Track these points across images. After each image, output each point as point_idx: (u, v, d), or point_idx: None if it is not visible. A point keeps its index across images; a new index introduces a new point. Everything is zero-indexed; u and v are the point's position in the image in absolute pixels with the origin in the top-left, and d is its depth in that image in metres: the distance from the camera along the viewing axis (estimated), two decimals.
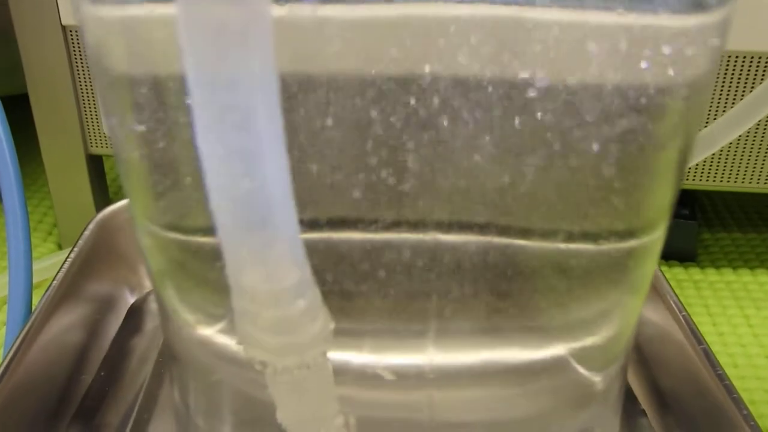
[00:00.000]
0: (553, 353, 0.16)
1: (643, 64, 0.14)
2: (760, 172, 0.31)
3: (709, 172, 0.30)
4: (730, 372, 0.27)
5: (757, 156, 0.30)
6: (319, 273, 0.12)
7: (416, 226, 0.14)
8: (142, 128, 0.16)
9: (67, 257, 0.26)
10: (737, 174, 0.31)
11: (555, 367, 0.16)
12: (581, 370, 0.17)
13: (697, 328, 0.23)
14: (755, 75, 0.27)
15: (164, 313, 0.18)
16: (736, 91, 0.28)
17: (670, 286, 0.25)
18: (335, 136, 0.14)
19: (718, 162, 0.29)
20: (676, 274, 0.33)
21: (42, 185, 0.33)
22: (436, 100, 0.14)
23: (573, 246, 0.15)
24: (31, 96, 0.33)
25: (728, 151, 0.29)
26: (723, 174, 0.31)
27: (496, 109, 0.14)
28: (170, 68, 0.14)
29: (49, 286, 0.25)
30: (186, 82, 0.10)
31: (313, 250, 0.13)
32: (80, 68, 0.33)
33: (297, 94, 0.13)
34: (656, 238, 0.16)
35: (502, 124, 0.14)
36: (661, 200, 0.16)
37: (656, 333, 0.24)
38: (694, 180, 0.30)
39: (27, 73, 0.32)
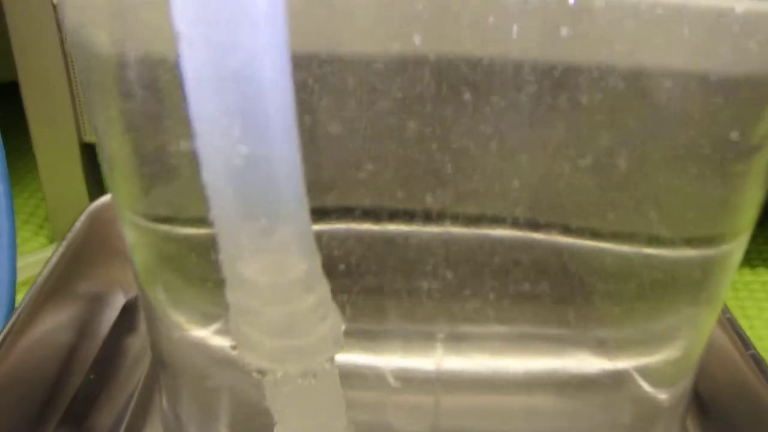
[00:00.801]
0: (614, 367, 0.14)
1: (733, 52, 0.12)
2: None
3: None
4: None
5: None
6: (328, 266, 0.10)
7: (452, 217, 0.12)
8: (127, 110, 0.14)
9: (56, 250, 0.24)
10: None
11: (613, 382, 0.14)
12: (644, 386, 0.15)
13: (744, 332, 0.21)
14: None
15: (151, 316, 0.16)
16: None
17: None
18: (353, 119, 0.12)
19: None
20: None
21: (33, 177, 0.32)
22: (486, 84, 0.12)
23: (641, 250, 0.13)
24: (21, 82, 0.31)
25: None
26: None
27: (566, 98, 0.12)
28: (156, 45, 0.13)
29: (35, 281, 0.23)
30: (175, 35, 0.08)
31: (321, 240, 0.11)
32: None
33: (317, 72, 0.12)
34: (737, 247, 0.15)
35: (571, 115, 0.12)
36: (748, 207, 0.14)
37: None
38: None
39: (17, 58, 0.31)
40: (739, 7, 0.12)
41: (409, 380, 0.14)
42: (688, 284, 0.14)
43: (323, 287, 0.09)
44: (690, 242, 0.14)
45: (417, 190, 0.12)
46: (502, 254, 0.12)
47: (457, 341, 0.13)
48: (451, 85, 0.12)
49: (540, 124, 0.12)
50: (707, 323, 0.15)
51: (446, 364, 0.14)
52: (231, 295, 0.09)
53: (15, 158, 0.26)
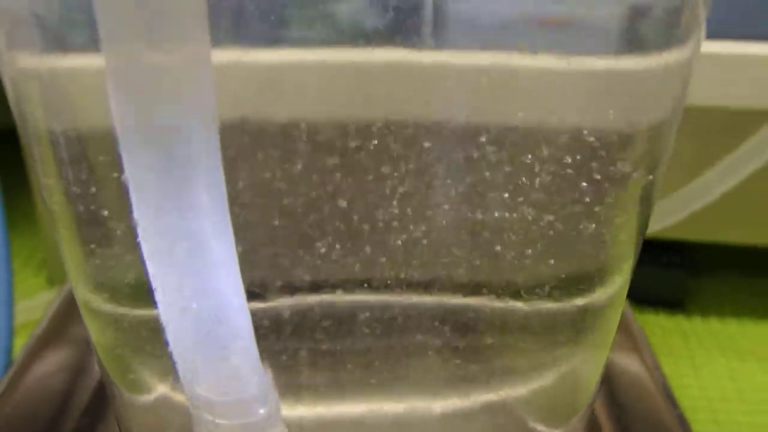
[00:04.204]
0: (510, 410, 0.16)
1: (595, 109, 0.15)
2: (747, 225, 0.31)
3: (698, 224, 0.30)
4: (709, 429, 0.27)
5: (744, 210, 0.30)
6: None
7: (366, 285, 0.15)
8: (72, 190, 0.16)
9: (55, 298, 0.26)
10: (726, 227, 0.31)
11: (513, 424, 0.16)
12: (539, 426, 0.17)
13: (670, 389, 0.23)
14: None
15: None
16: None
17: (648, 342, 0.25)
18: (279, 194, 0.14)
19: (708, 215, 0.29)
20: (663, 322, 0.33)
21: (31, 220, 0.34)
22: (388, 154, 0.14)
23: (530, 300, 0.15)
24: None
25: (716, 204, 0.29)
26: (712, 227, 0.31)
27: (450, 159, 0.14)
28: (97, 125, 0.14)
29: (35, 328, 0.25)
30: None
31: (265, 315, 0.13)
32: None
33: (244, 144, 0.14)
34: (615, 290, 0.17)
35: (457, 174, 0.14)
36: (619, 252, 0.16)
37: (633, 384, 0.24)
38: (683, 232, 0.31)
39: None
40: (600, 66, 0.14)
41: None
42: (573, 328, 0.16)
43: (273, 395, 0.11)
44: (572, 288, 0.16)
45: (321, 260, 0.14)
46: (396, 316, 0.15)
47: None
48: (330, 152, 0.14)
49: (430, 185, 0.14)
50: (597, 363, 0.17)
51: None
52: (191, 406, 0.11)
53: (12, 200, 0.27)
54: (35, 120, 0.16)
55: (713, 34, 0.27)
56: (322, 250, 0.14)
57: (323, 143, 0.14)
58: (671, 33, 0.15)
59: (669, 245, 0.32)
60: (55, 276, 0.33)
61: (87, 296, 0.18)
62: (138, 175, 0.10)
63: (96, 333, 0.18)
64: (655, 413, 0.22)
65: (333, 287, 0.15)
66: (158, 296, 0.10)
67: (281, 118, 0.14)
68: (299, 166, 0.14)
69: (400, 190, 0.14)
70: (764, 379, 0.29)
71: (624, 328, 0.26)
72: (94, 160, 0.15)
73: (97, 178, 0.15)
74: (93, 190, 0.15)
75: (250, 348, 0.10)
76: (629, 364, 0.25)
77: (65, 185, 0.16)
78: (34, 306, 0.30)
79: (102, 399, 0.26)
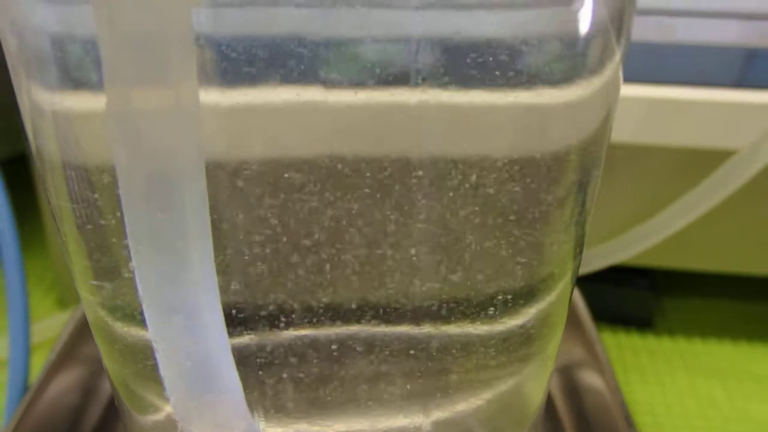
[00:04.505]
0: (465, 425, 0.18)
1: (521, 138, 0.16)
2: (708, 253, 0.33)
3: (664, 252, 0.32)
4: None
5: (705, 240, 0.32)
6: None
7: (333, 317, 0.16)
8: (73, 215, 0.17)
9: (68, 322, 0.28)
10: (689, 255, 0.33)
11: None
12: None
13: (627, 408, 0.25)
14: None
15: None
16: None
17: (609, 362, 0.27)
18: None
19: (672, 244, 0.32)
20: (635, 341, 0.36)
21: (40, 243, 0.35)
22: (338, 191, 0.15)
23: (476, 323, 0.17)
24: (31, 158, 0.34)
25: (680, 234, 0.31)
26: (677, 255, 0.33)
27: (398, 195, 0.15)
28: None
29: (51, 350, 0.27)
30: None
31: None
32: None
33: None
34: (554, 309, 0.18)
35: (405, 209, 0.16)
36: (556, 273, 0.18)
37: (596, 402, 0.27)
38: (651, 259, 0.33)
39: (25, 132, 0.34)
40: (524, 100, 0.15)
41: None
42: (520, 347, 0.18)
43: None
44: (514, 309, 0.17)
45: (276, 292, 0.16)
46: (358, 343, 0.16)
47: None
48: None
49: (380, 222, 0.16)
50: (539, 382, 0.19)
51: None
52: None
53: (22, 222, 0.29)
54: (48, 150, 0.17)
55: (671, 80, 0.29)
56: (290, 286, 0.16)
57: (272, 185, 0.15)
58: (583, 65, 0.16)
59: (639, 270, 0.35)
60: (66, 298, 0.35)
61: (98, 318, 0.19)
62: (134, 234, 0.12)
63: (106, 354, 0.20)
64: (614, 429, 0.25)
65: (300, 321, 0.17)
66: (156, 352, 0.12)
67: (234, 161, 0.15)
68: (261, 208, 0.15)
69: (354, 227, 0.16)
70: (723, 395, 0.32)
71: (589, 348, 0.28)
72: (101, 192, 0.16)
73: (104, 209, 0.16)
74: (102, 220, 0.17)
75: (239, 399, 0.12)
76: (595, 383, 0.27)
77: (75, 213, 0.17)
78: (45, 327, 0.32)
79: (112, 417, 0.28)
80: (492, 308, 0.17)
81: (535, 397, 0.20)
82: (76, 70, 0.15)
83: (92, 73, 0.15)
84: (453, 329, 0.17)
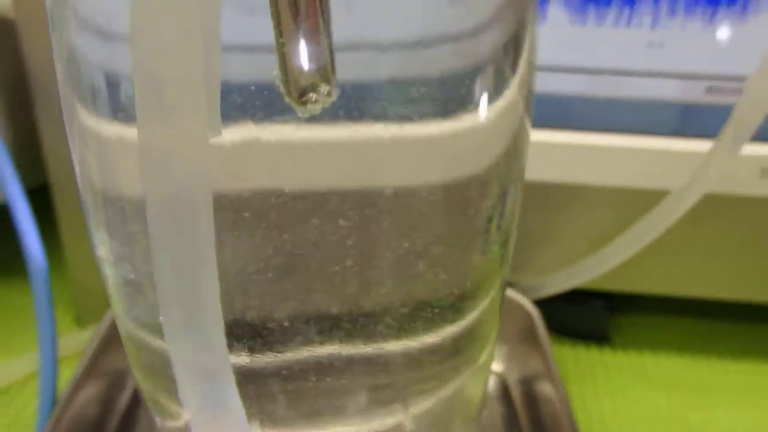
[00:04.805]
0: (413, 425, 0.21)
1: (435, 167, 0.18)
2: (660, 278, 0.37)
3: (616, 277, 0.36)
4: None
5: (657, 265, 0.36)
6: None
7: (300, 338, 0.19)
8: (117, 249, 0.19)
9: (92, 339, 0.32)
10: (643, 279, 0.38)
11: None
12: None
13: (573, 416, 0.29)
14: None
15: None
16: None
17: (559, 375, 0.31)
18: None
19: (626, 268, 0.36)
20: (593, 355, 0.40)
21: (60, 263, 0.38)
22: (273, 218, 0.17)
23: (407, 337, 0.20)
24: (53, 189, 0.37)
25: (634, 260, 0.35)
26: (630, 278, 0.37)
27: (334, 225, 0.17)
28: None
29: (78, 365, 0.31)
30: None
31: None
32: None
33: None
34: (484, 322, 0.21)
35: (343, 239, 0.17)
36: (481, 289, 0.21)
37: (550, 410, 0.30)
38: (606, 283, 0.37)
39: (48, 163, 0.37)
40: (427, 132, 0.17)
41: None
42: (456, 357, 0.21)
43: None
44: (446, 322, 0.20)
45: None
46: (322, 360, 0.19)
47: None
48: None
49: (323, 253, 0.18)
50: (474, 391, 0.23)
51: None
52: None
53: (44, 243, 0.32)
54: (92, 176, 0.19)
55: (619, 130, 0.33)
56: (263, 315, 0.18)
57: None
58: (476, 96, 0.17)
59: (596, 293, 0.39)
60: (83, 316, 0.38)
61: (129, 330, 0.21)
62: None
63: (135, 364, 0.22)
64: None
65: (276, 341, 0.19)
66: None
67: None
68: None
69: (307, 258, 0.18)
70: (667, 404, 0.36)
71: (545, 363, 0.32)
72: (133, 217, 0.18)
73: (134, 230, 0.18)
74: (130, 239, 0.18)
75: (241, 411, 0.16)
76: (548, 393, 0.31)
77: (110, 234, 0.19)
78: (65, 343, 0.35)
79: (131, 425, 0.32)
80: (429, 323, 0.20)
81: (476, 396, 0.24)
82: (119, 102, 0.17)
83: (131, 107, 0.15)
84: (396, 344, 0.20)
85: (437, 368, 0.21)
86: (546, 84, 0.33)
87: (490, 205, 0.19)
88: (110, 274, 0.20)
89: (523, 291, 0.36)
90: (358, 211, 0.17)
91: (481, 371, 0.23)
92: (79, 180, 0.19)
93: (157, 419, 0.24)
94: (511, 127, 0.19)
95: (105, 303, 0.32)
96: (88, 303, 0.38)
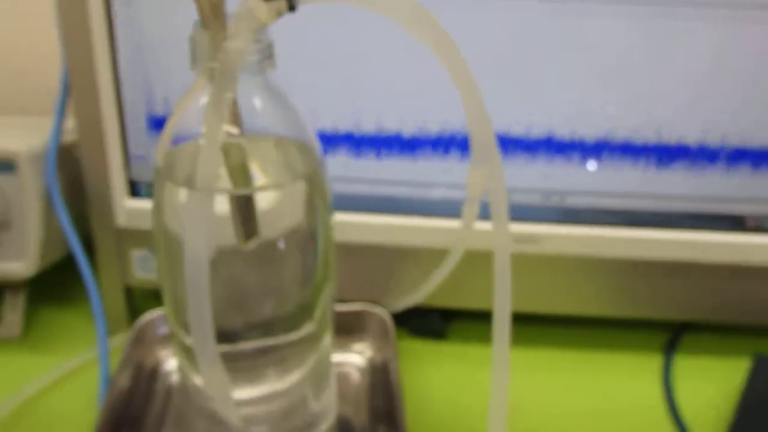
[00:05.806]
0: (292, 390, 0.42)
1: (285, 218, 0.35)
2: (471, 296, 0.56)
3: (449, 295, 0.56)
4: (437, 412, 0.49)
5: (466, 288, 0.57)
6: None
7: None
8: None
9: (126, 345, 0.51)
10: (472, 296, 0.56)
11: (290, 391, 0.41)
12: (304, 392, 0.43)
13: (400, 392, 0.47)
14: None
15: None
16: None
17: (398, 365, 0.49)
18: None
19: (455, 286, 0.52)
20: (433, 347, 0.58)
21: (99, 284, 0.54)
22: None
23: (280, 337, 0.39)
24: (94, 240, 0.53)
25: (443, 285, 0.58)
26: (459, 297, 0.57)
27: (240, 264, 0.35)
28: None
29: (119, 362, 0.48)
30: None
31: None
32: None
33: None
34: (316, 330, 0.40)
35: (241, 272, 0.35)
36: (315, 307, 0.38)
37: (386, 384, 0.50)
38: (435, 300, 0.57)
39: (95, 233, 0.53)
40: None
41: None
42: (306, 346, 0.40)
43: None
44: (299, 329, 0.37)
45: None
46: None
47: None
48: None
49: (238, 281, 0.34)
50: (318, 376, 0.41)
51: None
52: None
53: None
54: (165, 227, 0.34)
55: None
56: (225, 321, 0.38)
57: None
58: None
59: (430, 307, 0.61)
60: (112, 327, 0.54)
61: (177, 332, 0.35)
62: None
63: (181, 360, 0.38)
64: (392, 404, 0.47)
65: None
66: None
67: None
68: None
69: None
70: (481, 377, 0.45)
71: (392, 350, 0.51)
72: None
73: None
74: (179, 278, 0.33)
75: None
76: (389, 367, 0.51)
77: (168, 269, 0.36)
78: (111, 343, 0.51)
79: (166, 407, 0.48)
80: (281, 331, 0.37)
81: (326, 367, 0.44)
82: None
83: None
84: (282, 338, 0.37)
85: (301, 351, 0.43)
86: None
87: (296, 256, 0.35)
88: (166, 299, 0.37)
89: (383, 306, 0.55)
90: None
91: (324, 354, 0.41)
92: (156, 230, 0.36)
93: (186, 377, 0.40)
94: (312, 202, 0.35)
95: (129, 318, 0.53)
96: (115, 315, 0.57)
